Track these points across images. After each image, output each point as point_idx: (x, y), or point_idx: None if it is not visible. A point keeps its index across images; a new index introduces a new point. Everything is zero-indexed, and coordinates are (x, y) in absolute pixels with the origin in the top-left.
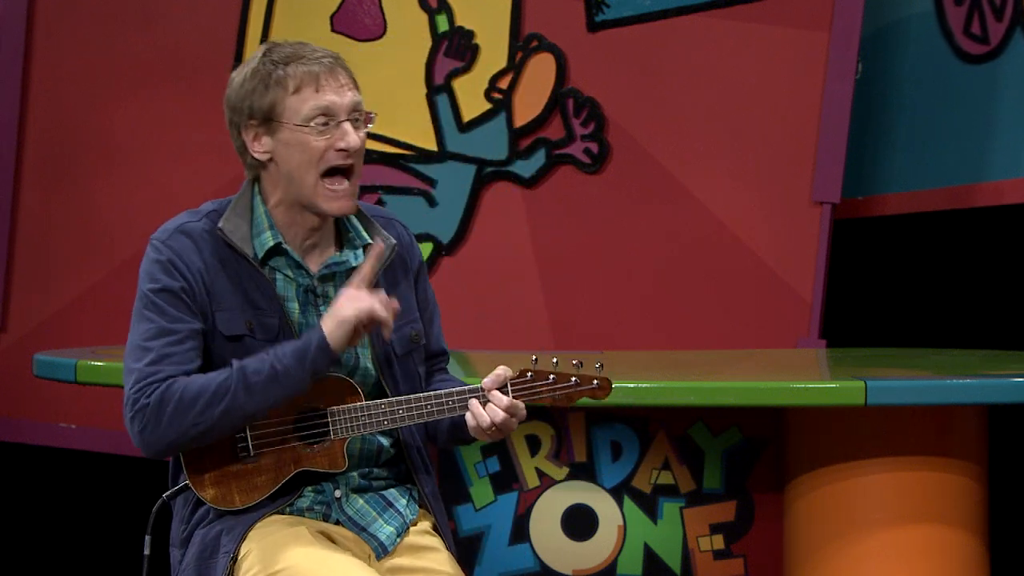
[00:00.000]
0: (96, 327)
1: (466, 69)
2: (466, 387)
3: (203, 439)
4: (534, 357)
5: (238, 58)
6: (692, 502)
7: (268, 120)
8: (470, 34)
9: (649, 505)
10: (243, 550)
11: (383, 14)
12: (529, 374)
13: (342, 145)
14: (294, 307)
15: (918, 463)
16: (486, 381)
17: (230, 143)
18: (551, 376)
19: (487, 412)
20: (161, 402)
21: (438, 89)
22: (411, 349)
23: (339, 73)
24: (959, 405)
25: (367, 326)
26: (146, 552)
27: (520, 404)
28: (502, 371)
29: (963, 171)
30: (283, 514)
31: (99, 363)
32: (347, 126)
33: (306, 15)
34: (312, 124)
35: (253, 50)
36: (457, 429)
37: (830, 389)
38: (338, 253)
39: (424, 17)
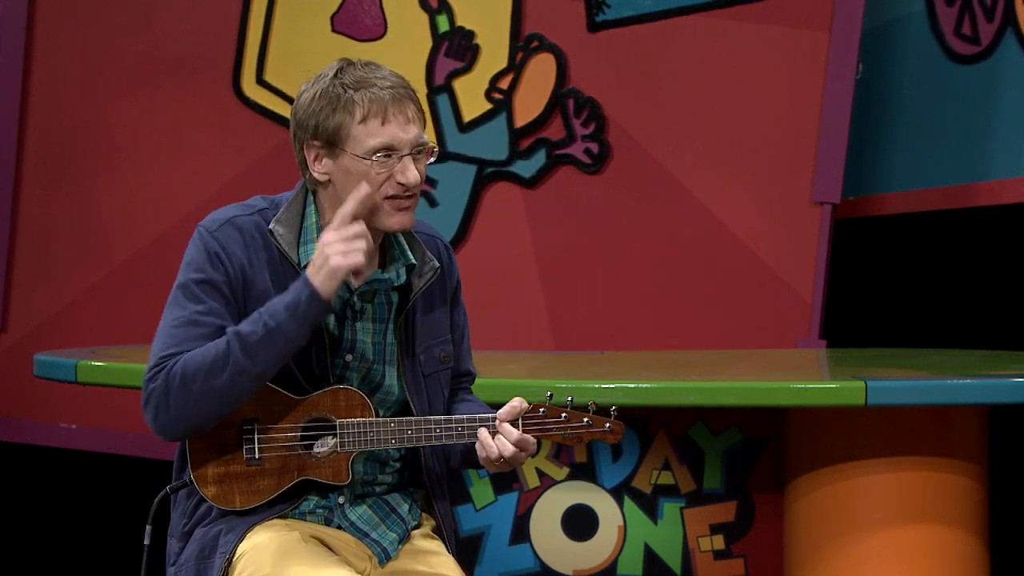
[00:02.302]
0: (96, 327)
1: (467, 69)
2: (477, 415)
3: (214, 411)
4: (549, 393)
5: (238, 58)
6: (692, 502)
7: (331, 144)
8: (470, 34)
9: (649, 505)
10: (239, 551)
11: (383, 14)
12: (542, 410)
13: (401, 180)
14: (330, 319)
15: (918, 463)
16: (500, 412)
17: (230, 143)
18: (564, 415)
19: (496, 444)
20: (167, 382)
21: (439, 89)
22: (438, 369)
23: (407, 105)
24: (959, 405)
25: (356, 275)
26: (146, 542)
27: (530, 439)
28: (517, 403)
29: (962, 171)
30: (284, 518)
31: (99, 363)
32: (408, 161)
33: (306, 15)
34: (374, 159)
35: (253, 51)
36: (469, 455)
37: (830, 389)
38: (380, 270)
39: (425, 17)
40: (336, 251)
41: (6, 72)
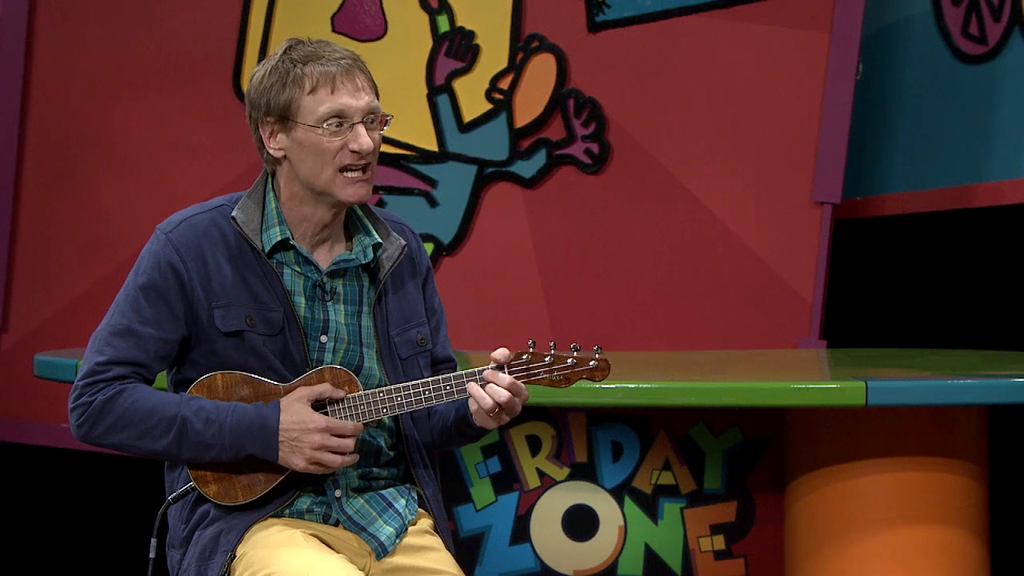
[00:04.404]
0: (96, 327)
1: (467, 69)
2: (464, 372)
3: (130, 452)
4: (531, 341)
5: (239, 58)
6: (693, 502)
7: (284, 118)
8: (471, 34)
9: (650, 505)
10: (240, 551)
11: (384, 14)
12: (526, 356)
13: (354, 147)
14: (300, 301)
15: (918, 463)
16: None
17: (231, 143)
18: (548, 357)
19: (488, 393)
20: (103, 407)
21: (439, 89)
22: (416, 352)
23: (356, 75)
24: (959, 405)
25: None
26: (151, 555)
27: (521, 384)
28: (500, 353)
29: (963, 171)
30: (281, 516)
31: None
32: (360, 128)
33: (307, 15)
34: (325, 126)
35: (254, 50)
36: (463, 423)
37: (831, 389)
38: (348, 251)
39: (425, 17)
40: (308, 456)
41: (7, 72)
